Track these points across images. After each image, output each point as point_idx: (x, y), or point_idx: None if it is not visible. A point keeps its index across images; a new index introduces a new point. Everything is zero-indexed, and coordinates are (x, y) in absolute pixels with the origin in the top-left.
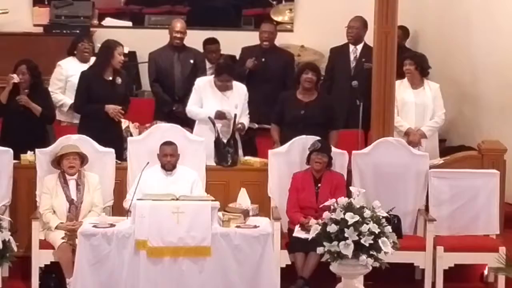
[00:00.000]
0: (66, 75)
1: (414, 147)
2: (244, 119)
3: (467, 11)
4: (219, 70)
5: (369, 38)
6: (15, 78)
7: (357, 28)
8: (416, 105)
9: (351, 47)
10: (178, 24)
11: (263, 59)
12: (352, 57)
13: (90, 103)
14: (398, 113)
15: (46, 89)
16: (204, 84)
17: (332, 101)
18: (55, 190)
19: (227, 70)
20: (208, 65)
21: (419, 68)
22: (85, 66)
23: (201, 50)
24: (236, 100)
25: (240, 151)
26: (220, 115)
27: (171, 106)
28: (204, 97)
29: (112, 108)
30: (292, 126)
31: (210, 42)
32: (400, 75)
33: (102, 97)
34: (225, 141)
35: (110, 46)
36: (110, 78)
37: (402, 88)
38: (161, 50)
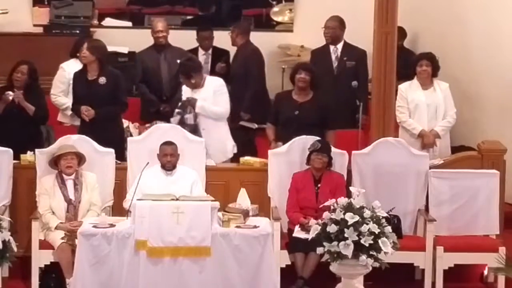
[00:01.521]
0: (69, 78)
1: (429, 149)
2: (216, 107)
3: (466, 12)
4: (177, 72)
5: (367, 37)
6: (12, 95)
7: (333, 28)
8: (427, 105)
9: (331, 47)
10: (159, 24)
11: (236, 59)
12: (333, 56)
13: (77, 103)
14: (410, 115)
15: (41, 89)
16: (184, 89)
17: (327, 101)
18: (53, 191)
19: (180, 69)
20: (200, 51)
21: (433, 67)
22: None
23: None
24: (204, 94)
25: (232, 145)
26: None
27: (158, 106)
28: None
29: (83, 109)
30: (286, 126)
31: (203, 29)
32: (407, 77)
33: (81, 97)
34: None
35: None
36: (93, 78)
37: (413, 89)
38: (147, 51)
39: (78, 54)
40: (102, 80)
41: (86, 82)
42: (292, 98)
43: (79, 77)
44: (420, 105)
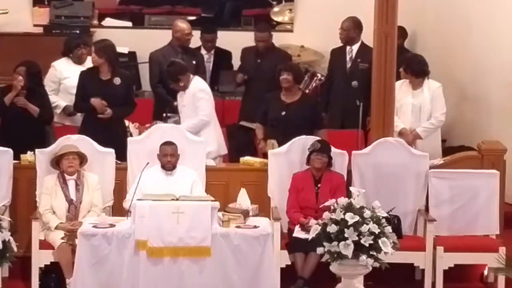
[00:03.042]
0: (60, 77)
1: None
2: (193, 119)
3: (466, 11)
4: (165, 76)
5: (368, 37)
6: (22, 81)
7: (346, 29)
8: (413, 105)
9: (348, 47)
10: (185, 26)
11: (258, 60)
12: (348, 57)
13: (85, 101)
14: (397, 113)
15: (44, 90)
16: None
17: (315, 101)
18: (54, 190)
19: (167, 76)
20: (203, 51)
21: (409, 70)
22: (80, 68)
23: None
24: (186, 100)
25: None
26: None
27: (173, 107)
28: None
29: (97, 102)
30: (274, 126)
31: (207, 32)
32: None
33: (95, 96)
34: None
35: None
36: (108, 78)
37: (403, 88)
38: (164, 51)
39: (71, 55)
40: (117, 80)
41: (99, 82)
42: (280, 98)
43: (90, 77)
44: (405, 104)
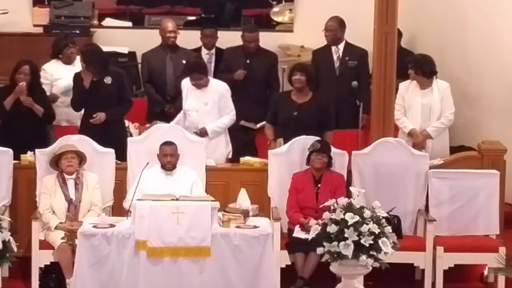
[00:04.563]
0: (51, 80)
1: (419, 149)
2: (224, 119)
3: (466, 12)
4: (189, 70)
5: (367, 37)
6: (24, 85)
7: (333, 30)
8: (422, 105)
9: (333, 47)
10: (169, 24)
11: (247, 61)
12: (335, 57)
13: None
14: (406, 113)
15: (43, 89)
16: (187, 83)
17: (326, 102)
18: (54, 190)
19: (196, 69)
20: (204, 51)
21: (420, 71)
22: (70, 68)
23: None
24: (208, 98)
25: (227, 151)
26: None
27: (163, 106)
28: (184, 96)
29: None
30: (284, 127)
31: (207, 26)
32: (407, 76)
33: (86, 95)
34: None
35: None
36: (98, 78)
37: (411, 88)
38: (154, 51)
39: (60, 56)
40: (108, 79)
41: (91, 83)
42: (291, 98)
43: (81, 78)
44: (415, 104)
